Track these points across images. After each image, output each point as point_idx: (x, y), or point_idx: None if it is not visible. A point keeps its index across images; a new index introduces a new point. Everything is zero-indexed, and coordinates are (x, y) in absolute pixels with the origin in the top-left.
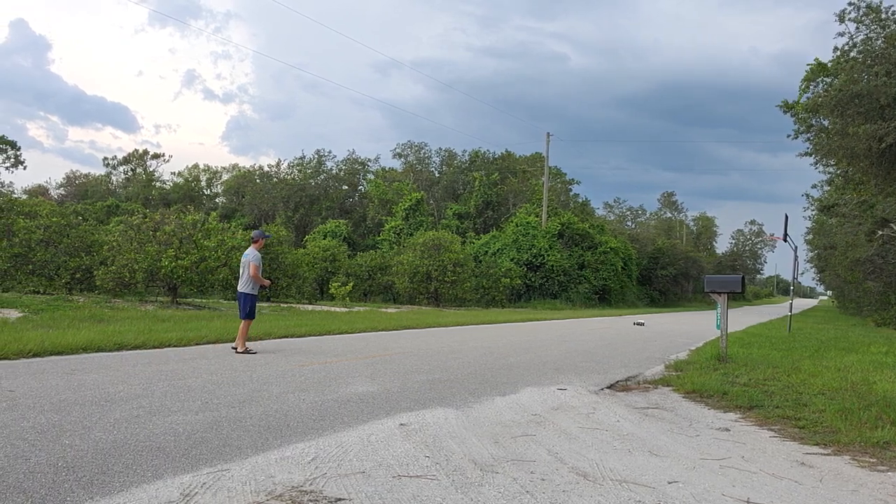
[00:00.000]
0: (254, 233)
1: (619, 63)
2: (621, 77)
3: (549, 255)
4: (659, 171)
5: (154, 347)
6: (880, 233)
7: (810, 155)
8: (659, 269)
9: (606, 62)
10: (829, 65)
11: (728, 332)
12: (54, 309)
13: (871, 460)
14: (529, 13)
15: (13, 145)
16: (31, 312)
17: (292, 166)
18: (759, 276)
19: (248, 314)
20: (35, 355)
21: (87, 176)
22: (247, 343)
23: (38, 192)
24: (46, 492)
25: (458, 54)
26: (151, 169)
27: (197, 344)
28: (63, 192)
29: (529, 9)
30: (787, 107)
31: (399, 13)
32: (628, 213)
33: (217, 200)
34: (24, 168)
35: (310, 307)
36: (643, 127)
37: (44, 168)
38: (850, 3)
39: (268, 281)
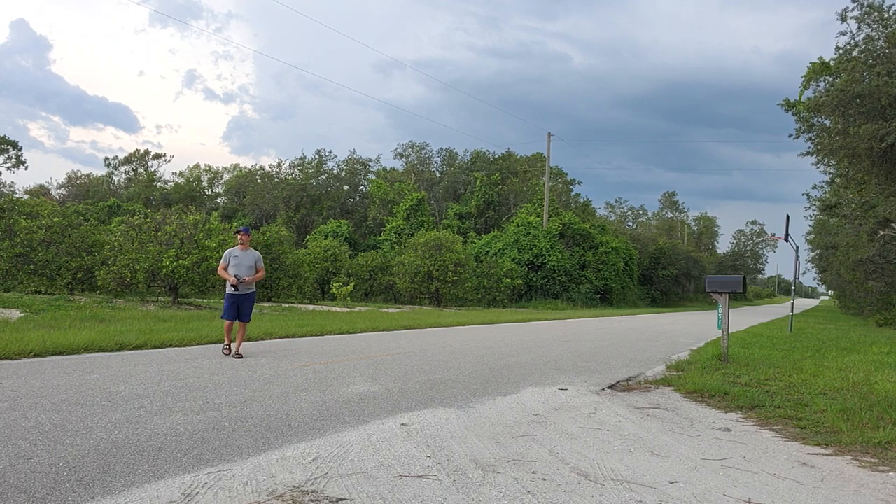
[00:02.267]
0: None
1: (621, 63)
2: (624, 77)
3: (550, 255)
4: (661, 170)
5: (155, 347)
6: (882, 233)
7: (811, 154)
8: (660, 270)
9: (609, 62)
10: (832, 63)
11: (729, 332)
12: (56, 309)
13: (873, 460)
14: (531, 13)
15: (15, 145)
16: (32, 312)
17: (293, 166)
18: (760, 276)
19: (223, 313)
20: (36, 355)
21: (88, 176)
22: (228, 344)
23: (40, 192)
24: (48, 491)
25: (461, 54)
26: (153, 169)
27: (198, 344)
28: (64, 193)
29: (530, 9)
30: (789, 105)
31: (401, 13)
32: (629, 213)
33: (218, 200)
34: (26, 168)
35: (311, 307)
36: (645, 127)
37: (45, 168)
38: (852, 1)
39: (232, 277)
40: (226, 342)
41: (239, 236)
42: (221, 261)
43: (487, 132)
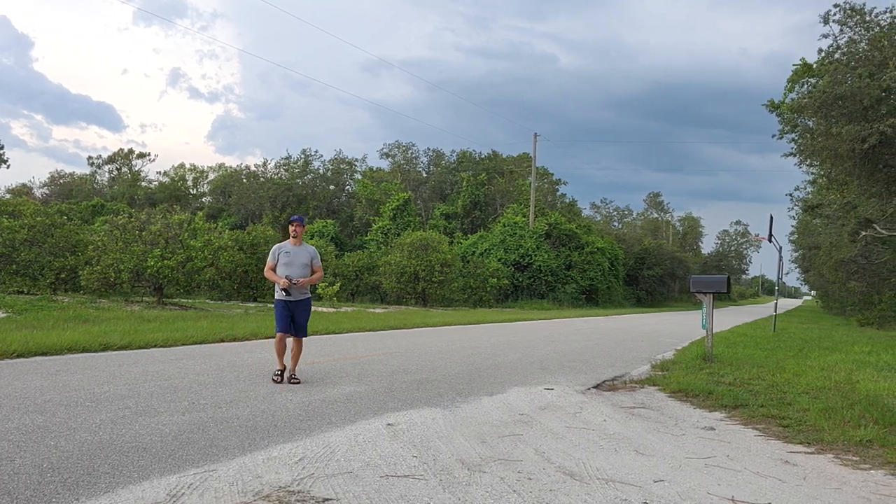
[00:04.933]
0: None
1: (609, 64)
2: (612, 78)
3: (536, 256)
4: (648, 171)
5: (140, 348)
6: (863, 233)
7: (794, 155)
8: (645, 270)
9: (597, 63)
10: (815, 66)
11: (713, 331)
12: (38, 309)
13: (854, 458)
14: (519, 14)
15: None
16: (14, 313)
17: (279, 166)
18: (744, 276)
19: (276, 324)
20: (19, 356)
21: (71, 175)
22: (297, 367)
23: (22, 191)
24: (31, 493)
25: (449, 54)
26: (137, 168)
27: (183, 344)
28: (47, 192)
29: (519, 9)
30: (773, 106)
31: (388, 13)
32: (615, 213)
33: (203, 200)
34: (8, 167)
35: None
36: (634, 127)
37: (27, 167)
38: (834, 6)
39: (282, 280)
40: (278, 366)
41: (292, 227)
42: (269, 258)
43: (475, 132)
